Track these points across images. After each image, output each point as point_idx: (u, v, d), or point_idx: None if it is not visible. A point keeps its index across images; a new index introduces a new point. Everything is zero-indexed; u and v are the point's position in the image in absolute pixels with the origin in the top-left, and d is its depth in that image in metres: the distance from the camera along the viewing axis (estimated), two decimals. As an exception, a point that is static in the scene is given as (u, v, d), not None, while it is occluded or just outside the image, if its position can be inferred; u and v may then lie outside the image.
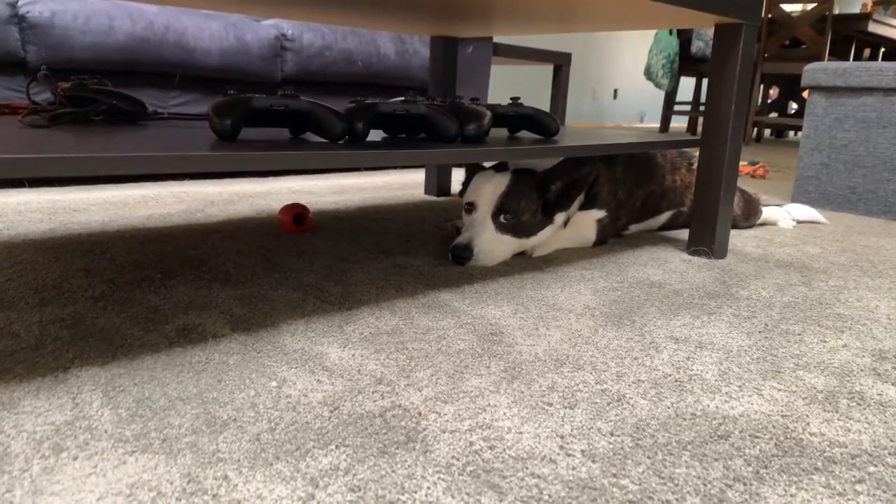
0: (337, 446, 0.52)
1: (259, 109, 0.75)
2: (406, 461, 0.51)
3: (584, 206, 1.20)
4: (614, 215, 1.25)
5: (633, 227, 1.35)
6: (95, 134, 0.72)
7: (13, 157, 0.50)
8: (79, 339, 0.70)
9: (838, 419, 0.61)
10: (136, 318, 0.77)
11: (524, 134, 1.13)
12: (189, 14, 1.75)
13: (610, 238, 1.30)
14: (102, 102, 0.89)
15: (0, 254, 1.00)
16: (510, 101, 1.06)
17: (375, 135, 0.92)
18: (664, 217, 1.37)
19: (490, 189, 1.08)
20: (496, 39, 2.62)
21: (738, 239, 1.36)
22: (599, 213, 1.21)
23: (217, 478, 0.47)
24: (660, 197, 1.33)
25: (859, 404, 0.64)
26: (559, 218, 1.14)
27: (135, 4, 1.66)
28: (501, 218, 1.07)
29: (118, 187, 1.65)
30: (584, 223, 1.22)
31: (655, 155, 1.32)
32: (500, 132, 1.14)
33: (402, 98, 0.88)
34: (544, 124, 1.06)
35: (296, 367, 0.66)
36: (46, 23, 1.51)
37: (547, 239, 1.16)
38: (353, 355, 0.70)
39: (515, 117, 1.06)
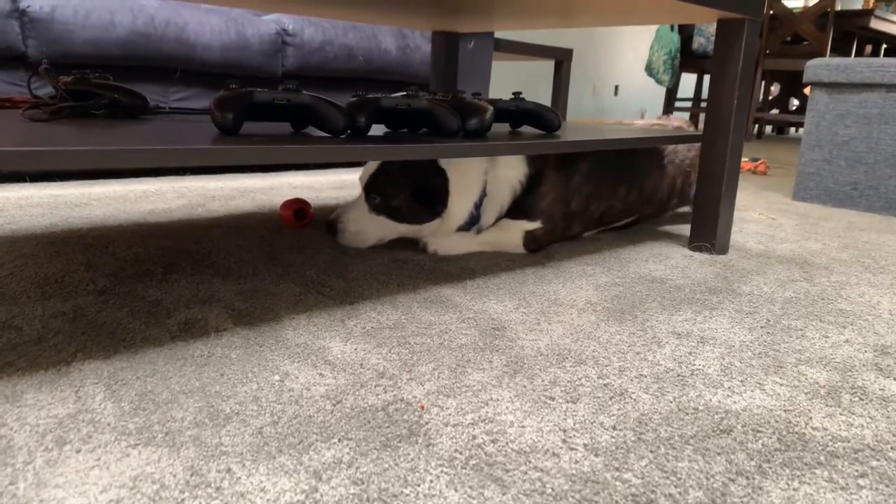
0: (340, 440, 0.52)
1: (261, 103, 0.75)
2: (409, 454, 0.51)
3: (515, 216, 1.12)
4: (555, 226, 1.14)
5: (588, 234, 1.28)
6: (97, 128, 0.72)
7: (14, 150, 0.50)
8: (81, 332, 0.70)
9: (841, 414, 0.61)
10: (139, 312, 0.77)
11: (526, 129, 1.12)
12: (190, 8, 1.74)
13: (549, 244, 1.18)
14: (104, 96, 0.88)
15: (2, 248, 1.00)
16: (512, 96, 1.05)
17: (377, 129, 0.92)
18: (623, 223, 1.31)
19: (368, 171, 1.07)
20: (497, 35, 2.62)
21: (740, 235, 1.36)
22: (530, 224, 1.12)
23: (220, 471, 0.47)
24: (621, 211, 1.25)
25: (861, 399, 0.64)
26: (448, 214, 1.07)
27: (135, -1, 1.66)
28: (371, 197, 1.06)
29: (119, 182, 1.65)
30: (509, 229, 1.13)
31: (626, 162, 1.22)
32: (502, 127, 1.14)
33: (404, 93, 0.88)
34: (546, 119, 1.06)
35: (298, 361, 0.66)
36: (47, 17, 1.51)
37: (440, 231, 1.09)
38: (356, 349, 0.70)
39: (517, 112, 1.06)
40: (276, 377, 0.62)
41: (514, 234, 1.13)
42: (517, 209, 1.12)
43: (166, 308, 0.79)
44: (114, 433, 0.51)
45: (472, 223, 1.11)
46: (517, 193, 1.11)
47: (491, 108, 0.91)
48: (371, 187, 1.06)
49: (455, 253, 1.09)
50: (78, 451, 0.49)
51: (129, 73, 1.65)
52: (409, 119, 0.89)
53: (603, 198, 1.20)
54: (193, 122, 0.88)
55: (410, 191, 1.05)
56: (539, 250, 1.15)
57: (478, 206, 1.09)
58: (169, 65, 1.70)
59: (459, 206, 1.08)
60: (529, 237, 1.13)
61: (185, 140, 0.64)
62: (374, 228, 1.08)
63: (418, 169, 1.05)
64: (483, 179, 1.08)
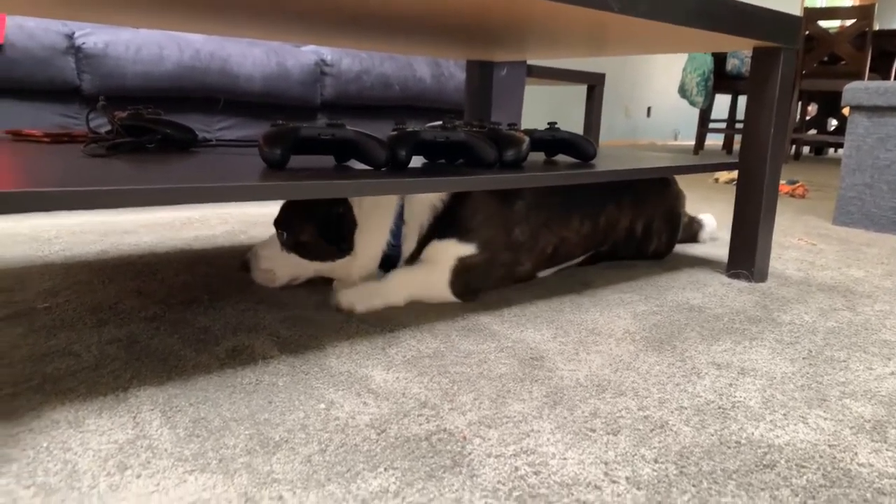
0: (386, 469, 0.54)
1: (307, 138, 0.78)
2: (453, 485, 0.52)
3: (443, 235, 0.98)
4: (497, 256, 1.01)
5: (542, 273, 1.14)
6: (152, 163, 0.75)
7: (90, 190, 0.53)
8: (135, 359, 0.73)
9: (887, 449, 0.60)
10: (188, 339, 0.80)
11: (561, 158, 1.14)
12: (233, 42, 1.81)
13: (490, 288, 1.03)
14: (157, 132, 0.93)
15: (58, 275, 1.04)
16: (547, 126, 1.07)
17: (415, 159, 0.95)
18: (579, 259, 1.20)
19: (282, 206, 1.00)
20: (530, 60, 2.65)
21: (779, 262, 1.34)
22: (464, 248, 0.96)
23: (272, 498, 0.49)
24: (574, 245, 1.14)
25: (909, 434, 0.63)
26: (358, 253, 0.97)
27: (182, 34, 1.73)
28: (280, 233, 0.97)
29: (165, 209, 1.71)
30: (435, 260, 0.97)
31: (582, 194, 1.14)
32: (537, 156, 1.15)
33: (441, 123, 0.90)
34: (581, 148, 1.07)
35: (342, 390, 0.68)
36: (101, 53, 1.59)
37: (354, 270, 0.99)
38: (397, 378, 0.71)
39: (552, 142, 1.07)
40: (322, 405, 0.64)
41: (440, 266, 0.97)
42: (443, 229, 0.98)
43: (214, 335, 0.81)
44: (171, 459, 0.54)
45: (395, 255, 0.99)
46: (438, 211, 0.98)
47: (527, 139, 0.92)
48: (279, 222, 0.97)
49: (373, 307, 0.93)
50: (138, 477, 0.51)
51: (175, 104, 1.72)
52: (447, 150, 0.91)
53: (553, 228, 1.09)
54: (240, 155, 0.92)
55: (315, 225, 0.96)
56: (473, 297, 0.99)
57: (396, 233, 0.97)
58: (213, 95, 1.77)
59: (368, 240, 0.96)
60: (460, 269, 0.96)
61: (236, 175, 0.67)
62: (285, 266, 0.98)
63: (322, 201, 0.95)
64: (398, 204, 0.98)
